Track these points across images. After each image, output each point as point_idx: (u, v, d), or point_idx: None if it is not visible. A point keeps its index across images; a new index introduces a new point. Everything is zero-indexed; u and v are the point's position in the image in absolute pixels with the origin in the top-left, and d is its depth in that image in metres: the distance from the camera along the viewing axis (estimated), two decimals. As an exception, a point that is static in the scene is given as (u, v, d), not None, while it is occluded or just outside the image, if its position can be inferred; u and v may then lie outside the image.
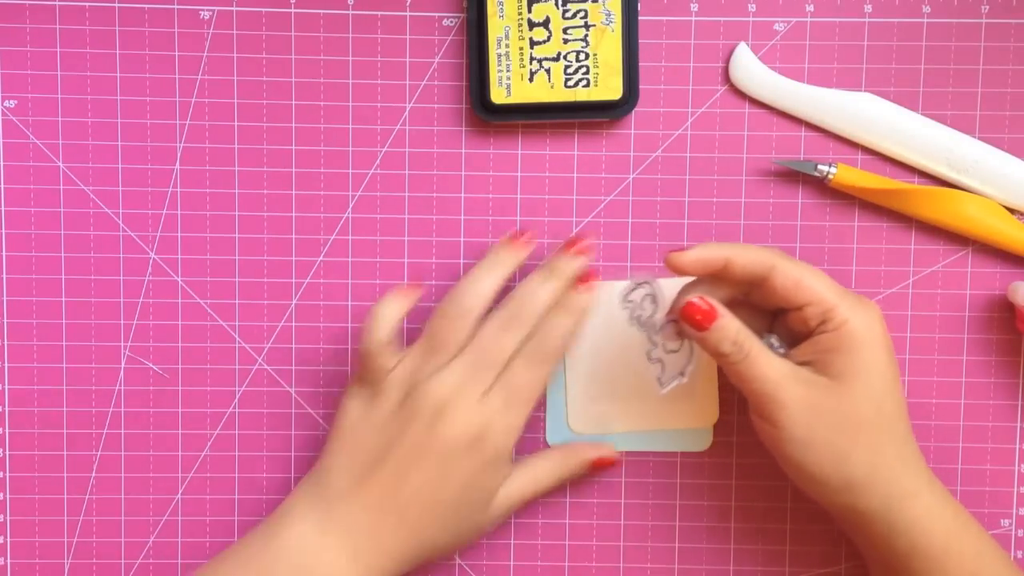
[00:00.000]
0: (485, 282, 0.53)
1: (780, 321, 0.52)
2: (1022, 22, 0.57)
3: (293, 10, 0.57)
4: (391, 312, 0.52)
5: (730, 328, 0.48)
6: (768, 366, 0.48)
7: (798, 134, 0.57)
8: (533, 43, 0.55)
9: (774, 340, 0.51)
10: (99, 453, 0.58)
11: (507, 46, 0.55)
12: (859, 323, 0.48)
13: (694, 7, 0.57)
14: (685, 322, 0.49)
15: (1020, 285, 0.55)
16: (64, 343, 0.58)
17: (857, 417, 0.48)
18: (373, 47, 0.57)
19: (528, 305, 0.52)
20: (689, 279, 0.52)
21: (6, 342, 0.58)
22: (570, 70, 0.55)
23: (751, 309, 0.52)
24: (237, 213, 0.57)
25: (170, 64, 0.57)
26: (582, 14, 0.54)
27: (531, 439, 0.58)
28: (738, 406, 0.58)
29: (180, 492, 0.58)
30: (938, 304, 0.58)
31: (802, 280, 0.49)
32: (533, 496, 0.55)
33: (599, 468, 0.56)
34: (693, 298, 0.49)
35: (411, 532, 0.51)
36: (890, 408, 0.49)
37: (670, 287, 0.52)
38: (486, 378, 0.52)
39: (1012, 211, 0.57)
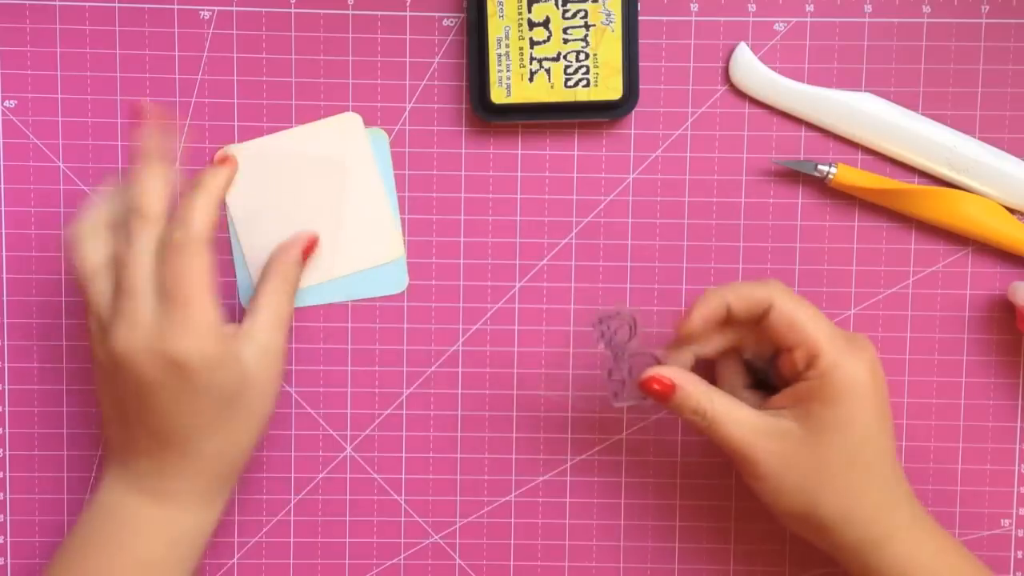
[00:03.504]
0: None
1: (777, 360, 0.51)
2: (1022, 22, 0.57)
3: (293, 10, 0.57)
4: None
5: (689, 399, 0.49)
6: (736, 427, 0.48)
7: (798, 134, 0.57)
8: (533, 43, 0.55)
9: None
10: (99, 453, 0.58)
11: (507, 46, 0.55)
12: (844, 374, 0.48)
13: (694, 7, 0.57)
14: (645, 392, 0.50)
15: (1020, 285, 0.55)
16: (64, 343, 0.58)
17: (829, 467, 0.48)
18: (373, 47, 0.57)
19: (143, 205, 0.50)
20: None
21: (6, 342, 0.58)
22: (570, 70, 0.55)
23: (756, 339, 0.52)
24: (237, 213, 0.57)
25: (170, 64, 0.57)
26: (582, 14, 0.54)
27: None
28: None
29: (180, 492, 0.58)
30: (938, 304, 0.58)
31: (795, 322, 0.48)
32: (279, 320, 0.52)
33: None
34: (652, 372, 0.49)
35: (176, 453, 0.50)
36: (868, 457, 0.48)
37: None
38: (139, 303, 0.48)
39: (1012, 211, 0.57)
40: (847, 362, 0.48)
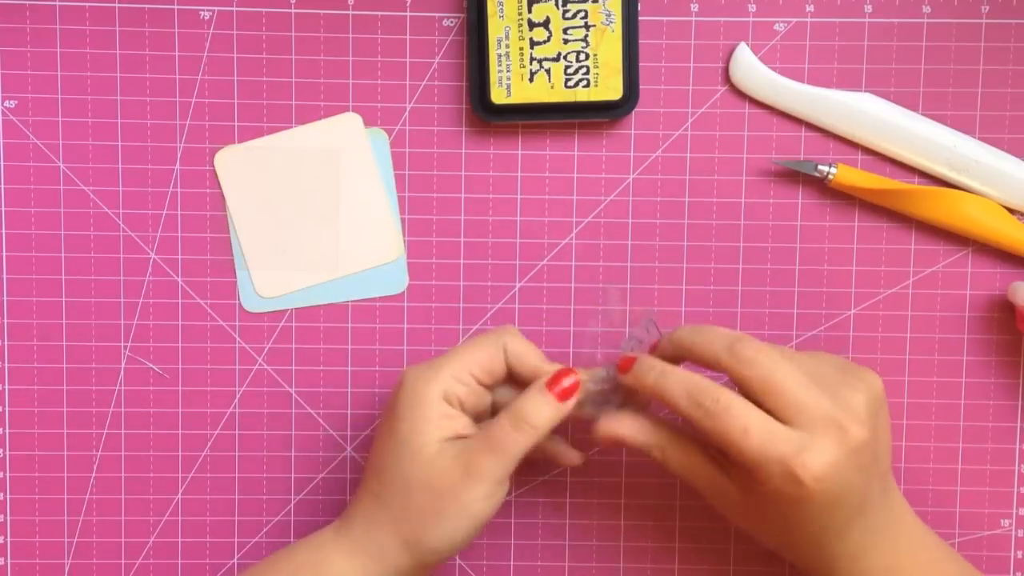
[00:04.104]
0: None
1: None
2: (1022, 22, 0.57)
3: (293, 10, 0.57)
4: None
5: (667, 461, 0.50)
6: (713, 477, 0.48)
7: (798, 134, 0.57)
8: (533, 43, 0.55)
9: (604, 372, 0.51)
10: (99, 453, 0.58)
11: (507, 46, 0.55)
12: (779, 489, 0.45)
13: (694, 7, 0.57)
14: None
15: (1020, 285, 0.55)
16: (64, 343, 0.58)
17: (802, 529, 0.47)
18: (373, 47, 0.57)
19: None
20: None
21: (6, 342, 0.58)
22: (570, 70, 0.55)
23: None
24: (237, 213, 0.57)
25: (170, 64, 0.57)
26: (582, 14, 0.54)
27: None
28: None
29: (180, 492, 0.58)
30: (938, 304, 0.58)
31: (725, 436, 0.46)
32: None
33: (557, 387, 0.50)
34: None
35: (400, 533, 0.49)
36: (842, 516, 0.47)
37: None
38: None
39: (1012, 211, 0.57)
40: (787, 476, 0.45)
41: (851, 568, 0.48)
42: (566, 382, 0.49)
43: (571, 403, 0.49)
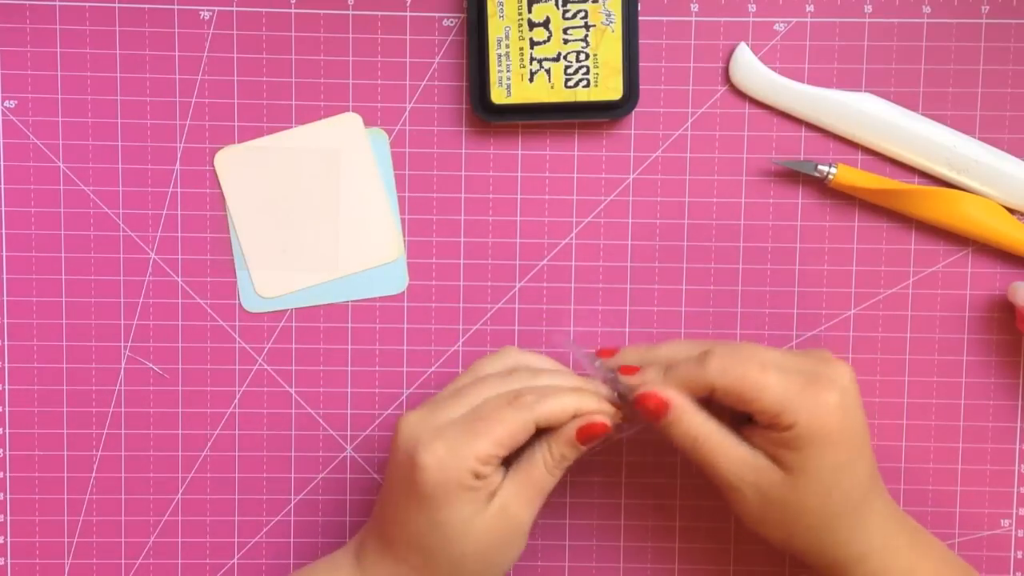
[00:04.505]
0: None
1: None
2: (1022, 22, 0.57)
3: (293, 10, 0.57)
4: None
5: (681, 422, 0.48)
6: (724, 458, 0.48)
7: (798, 134, 0.57)
8: (533, 43, 0.55)
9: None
10: (99, 453, 0.58)
11: (507, 46, 0.55)
12: (807, 424, 0.47)
13: (694, 7, 0.57)
14: (639, 407, 0.48)
15: (1020, 285, 0.55)
16: (64, 343, 0.58)
17: (805, 505, 0.48)
18: (373, 47, 0.57)
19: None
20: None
21: (6, 342, 0.58)
22: (570, 70, 0.55)
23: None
24: (237, 213, 0.57)
25: (170, 64, 0.57)
26: (582, 14, 0.54)
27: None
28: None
29: (180, 492, 0.58)
30: (938, 304, 0.58)
31: (742, 397, 0.47)
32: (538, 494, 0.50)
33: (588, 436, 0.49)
34: (649, 387, 0.48)
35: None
36: (844, 486, 0.48)
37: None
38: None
39: (1012, 211, 0.57)
40: (809, 411, 0.47)
41: (867, 549, 0.49)
42: (594, 430, 0.49)
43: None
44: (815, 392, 0.47)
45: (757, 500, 0.49)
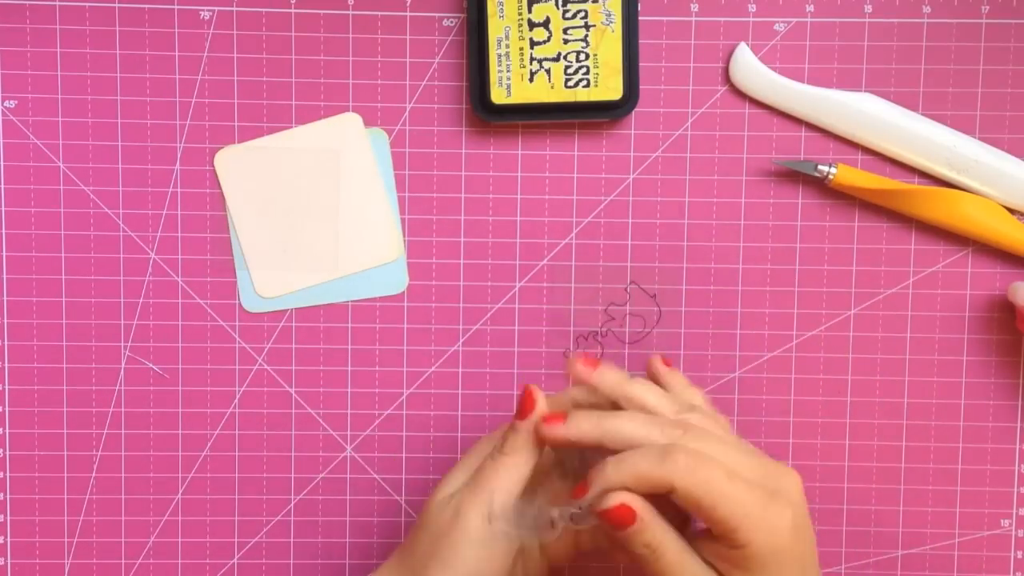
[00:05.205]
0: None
1: None
2: (1022, 22, 0.57)
3: (293, 10, 0.57)
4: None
5: (645, 532, 0.45)
6: (681, 574, 0.46)
7: (798, 134, 0.57)
8: (533, 43, 0.55)
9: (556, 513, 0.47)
10: (99, 453, 0.58)
11: (507, 46, 0.55)
12: (761, 546, 0.44)
13: (694, 7, 0.57)
14: (605, 516, 0.45)
15: (1020, 285, 0.55)
16: (64, 343, 0.58)
17: None
18: (373, 47, 0.57)
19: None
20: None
21: (6, 342, 0.58)
22: (570, 70, 0.55)
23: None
24: (237, 213, 0.57)
25: (170, 64, 0.57)
26: (582, 14, 0.54)
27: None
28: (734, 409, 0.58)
29: (180, 492, 0.58)
30: (938, 304, 0.58)
31: (701, 506, 0.44)
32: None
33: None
34: (621, 498, 0.45)
35: None
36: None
37: None
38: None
39: (1012, 211, 0.57)
40: (765, 532, 0.44)
41: None
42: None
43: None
44: (774, 512, 0.45)
45: None
